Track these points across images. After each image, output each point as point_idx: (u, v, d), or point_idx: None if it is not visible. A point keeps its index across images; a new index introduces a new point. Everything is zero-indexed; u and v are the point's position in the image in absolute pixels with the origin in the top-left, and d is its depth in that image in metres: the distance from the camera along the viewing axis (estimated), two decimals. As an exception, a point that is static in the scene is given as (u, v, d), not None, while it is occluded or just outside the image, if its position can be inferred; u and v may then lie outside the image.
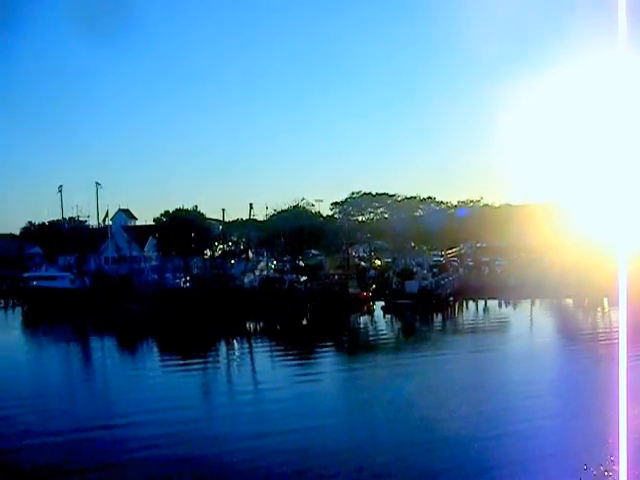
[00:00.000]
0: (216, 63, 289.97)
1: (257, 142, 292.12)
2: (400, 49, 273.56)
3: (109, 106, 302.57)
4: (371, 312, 77.62)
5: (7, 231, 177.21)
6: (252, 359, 51.76)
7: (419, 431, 28.29)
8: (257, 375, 44.78)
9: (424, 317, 71.66)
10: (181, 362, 49.35)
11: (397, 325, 69.67)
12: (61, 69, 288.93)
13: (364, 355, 51.48)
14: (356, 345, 57.68)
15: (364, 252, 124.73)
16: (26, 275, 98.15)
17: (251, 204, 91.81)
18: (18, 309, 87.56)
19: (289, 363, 48.47)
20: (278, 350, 55.01)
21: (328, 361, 48.90)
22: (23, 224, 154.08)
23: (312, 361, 49.17)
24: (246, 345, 59.57)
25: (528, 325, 66.27)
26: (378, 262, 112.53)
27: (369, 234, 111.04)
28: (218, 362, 51.05)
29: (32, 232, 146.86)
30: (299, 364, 48.01)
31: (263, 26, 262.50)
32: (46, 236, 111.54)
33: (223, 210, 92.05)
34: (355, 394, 37.15)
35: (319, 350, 53.44)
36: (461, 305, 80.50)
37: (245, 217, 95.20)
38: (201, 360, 49.94)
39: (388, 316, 73.20)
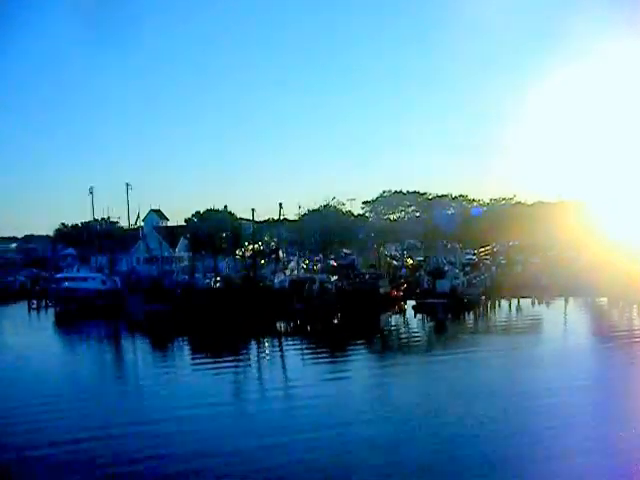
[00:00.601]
0: (243, 60, 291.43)
1: (286, 142, 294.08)
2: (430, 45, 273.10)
3: (138, 108, 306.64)
4: (402, 311, 77.03)
5: (42, 233, 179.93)
6: (282, 358, 51.47)
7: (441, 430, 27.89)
8: (287, 374, 44.54)
9: (455, 316, 70.76)
10: (211, 361, 49.35)
11: (428, 324, 68.82)
12: (84, 73, 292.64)
13: (393, 355, 50.85)
14: (386, 345, 56.96)
15: (396, 251, 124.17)
16: (58, 276, 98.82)
17: (280, 204, 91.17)
18: (51, 310, 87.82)
19: (320, 362, 48.19)
20: (309, 350, 54.58)
21: (358, 361, 48.25)
22: (56, 226, 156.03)
23: (342, 360, 48.52)
24: (277, 345, 59.16)
25: (562, 324, 65.00)
26: (410, 261, 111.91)
27: (400, 233, 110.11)
28: (249, 362, 50.70)
29: (65, 233, 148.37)
30: (330, 363, 47.78)
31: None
32: (79, 237, 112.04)
33: (253, 210, 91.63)
34: (385, 394, 36.28)
35: (349, 350, 52.96)
36: (493, 304, 79.36)
37: (275, 217, 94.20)
38: (232, 359, 49.65)
39: (419, 315, 72.48)
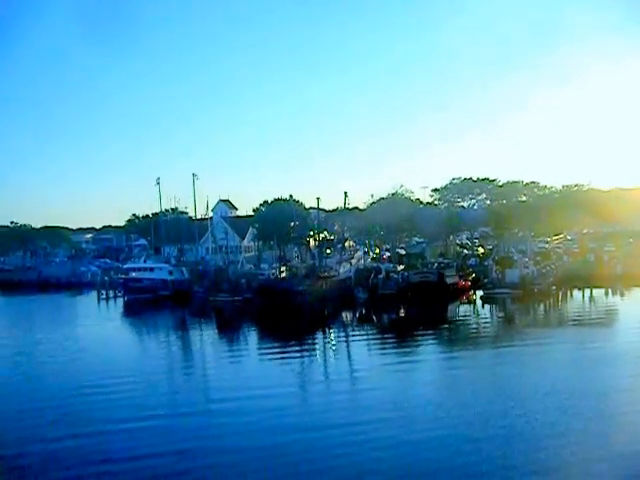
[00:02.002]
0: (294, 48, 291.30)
1: (354, 130, 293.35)
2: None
3: (205, 99, 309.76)
4: (470, 302, 75.11)
5: (119, 224, 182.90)
6: (348, 349, 50.68)
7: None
8: (353, 364, 43.74)
9: (525, 307, 67.84)
10: (277, 350, 49.34)
11: (496, 316, 66.26)
12: (149, 63, 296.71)
13: (459, 348, 48.69)
14: (451, 337, 54.95)
15: (467, 239, 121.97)
16: (126, 267, 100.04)
17: (346, 192, 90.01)
18: (120, 300, 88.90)
19: (384, 353, 47.59)
20: (373, 340, 53.76)
21: (423, 352, 47.07)
22: (128, 217, 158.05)
23: (407, 351, 47.69)
24: (341, 335, 58.27)
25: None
26: (481, 250, 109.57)
27: (471, 221, 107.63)
28: (314, 351, 50.09)
29: (137, 224, 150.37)
30: (394, 354, 46.86)
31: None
32: (150, 228, 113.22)
33: (318, 199, 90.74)
34: (450, 388, 34.55)
35: (414, 341, 52.00)
36: (565, 295, 76.42)
37: (344, 206, 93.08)
38: (297, 349, 49.48)
39: (487, 306, 70.32)
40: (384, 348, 49.86)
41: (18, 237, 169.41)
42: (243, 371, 42.88)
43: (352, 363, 44.19)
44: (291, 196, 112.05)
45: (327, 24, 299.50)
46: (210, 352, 51.77)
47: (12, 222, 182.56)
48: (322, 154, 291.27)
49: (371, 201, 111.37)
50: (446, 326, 60.72)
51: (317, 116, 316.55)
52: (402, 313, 70.01)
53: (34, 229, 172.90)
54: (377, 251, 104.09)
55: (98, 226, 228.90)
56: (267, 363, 44.92)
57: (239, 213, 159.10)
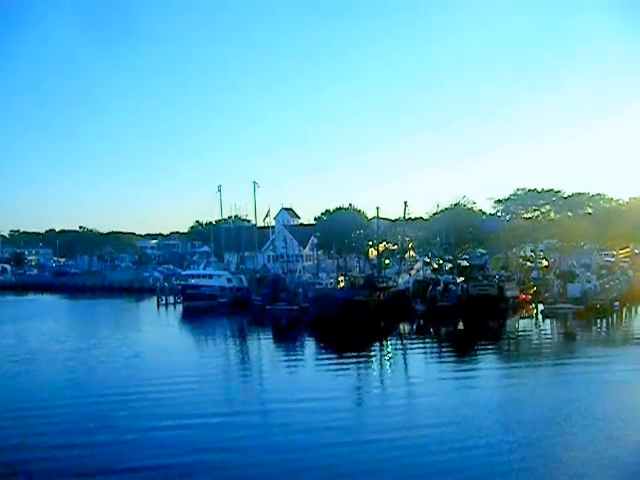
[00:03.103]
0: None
1: (414, 139, 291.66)
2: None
3: (272, 108, 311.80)
4: (530, 316, 73.32)
5: (182, 230, 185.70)
6: (404, 360, 50.48)
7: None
8: (409, 375, 43.68)
9: (586, 324, 65.40)
10: (332, 360, 49.61)
11: (556, 332, 63.97)
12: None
13: (516, 364, 47.41)
14: (509, 352, 53.84)
15: (531, 252, 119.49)
16: (185, 273, 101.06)
17: (405, 202, 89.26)
18: (179, 306, 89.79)
19: (441, 365, 47.05)
20: (430, 352, 53.46)
21: (479, 368, 45.92)
22: (191, 223, 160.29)
23: (463, 365, 47.02)
24: (398, 346, 57.90)
25: None
26: (545, 262, 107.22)
27: (534, 233, 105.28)
28: (370, 361, 49.91)
29: (200, 231, 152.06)
30: (451, 367, 46.37)
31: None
32: (212, 235, 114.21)
33: (377, 208, 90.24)
34: (507, 405, 33.57)
35: (471, 355, 51.25)
36: (629, 311, 73.97)
37: (409, 216, 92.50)
38: (354, 358, 49.27)
39: (548, 321, 68.38)
40: (440, 361, 49.36)
41: (85, 242, 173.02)
42: (299, 379, 43.43)
43: (408, 374, 44.01)
44: (350, 205, 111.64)
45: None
46: (264, 360, 51.99)
47: (81, 227, 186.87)
48: (385, 163, 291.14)
49: (434, 211, 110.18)
50: (504, 341, 59.55)
51: (379, 125, 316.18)
52: (460, 326, 68.67)
53: (101, 234, 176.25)
54: (440, 262, 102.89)
55: (166, 232, 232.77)
56: (322, 372, 45.10)
57: (302, 221, 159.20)
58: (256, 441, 27.55)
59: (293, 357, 52.87)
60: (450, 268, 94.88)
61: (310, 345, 60.86)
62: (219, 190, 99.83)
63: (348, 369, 45.26)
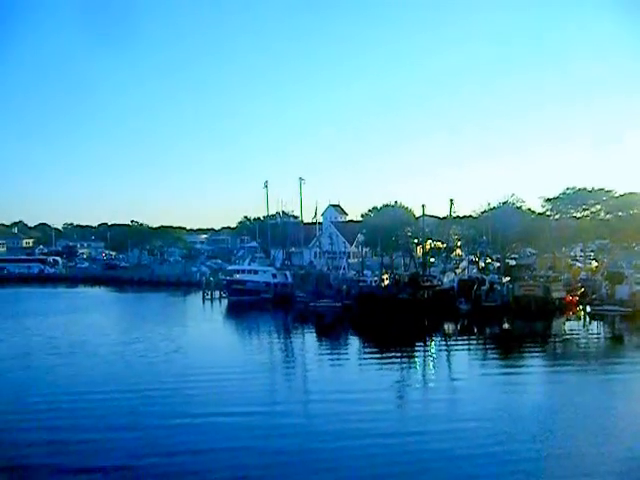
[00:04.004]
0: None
1: (465, 138, 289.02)
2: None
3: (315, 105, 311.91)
4: (577, 318, 71.99)
5: (233, 225, 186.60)
6: (447, 360, 50.12)
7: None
8: (452, 374, 43.43)
9: (634, 327, 63.54)
10: (375, 357, 49.80)
11: (601, 334, 62.62)
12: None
13: (558, 367, 46.36)
14: (553, 354, 52.69)
15: (581, 252, 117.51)
16: (230, 268, 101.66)
17: (451, 200, 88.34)
18: (224, 301, 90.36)
19: (485, 367, 46.62)
20: (474, 352, 53.16)
21: (522, 368, 45.70)
22: (240, 219, 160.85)
23: (505, 366, 46.72)
24: (442, 345, 57.68)
25: None
26: (595, 263, 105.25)
27: (584, 233, 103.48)
28: (413, 359, 49.71)
29: (247, 226, 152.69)
30: (494, 368, 45.99)
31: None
32: (258, 230, 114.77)
33: (423, 206, 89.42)
34: (552, 408, 32.92)
35: (515, 356, 50.94)
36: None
37: (449, 214, 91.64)
38: (397, 356, 49.72)
39: (594, 323, 67.21)
40: (483, 361, 49.21)
41: (136, 236, 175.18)
42: (341, 375, 43.61)
43: (449, 374, 43.81)
44: (396, 202, 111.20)
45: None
46: (306, 356, 51.98)
47: (132, 221, 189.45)
48: (429, 161, 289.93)
49: (482, 209, 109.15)
50: (548, 343, 58.44)
51: (428, 123, 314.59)
52: (505, 326, 67.78)
53: (151, 228, 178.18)
54: (488, 261, 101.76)
55: (217, 227, 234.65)
56: (365, 368, 45.40)
57: (350, 218, 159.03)
58: (299, 431, 28.47)
59: (336, 353, 53.04)
60: (497, 267, 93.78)
61: (353, 342, 60.97)
62: (265, 186, 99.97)
63: (390, 366, 45.40)
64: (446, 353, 53.28)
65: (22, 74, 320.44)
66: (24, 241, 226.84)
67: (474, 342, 59.09)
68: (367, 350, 54.91)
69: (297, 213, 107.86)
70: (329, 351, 54.71)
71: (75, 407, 32.25)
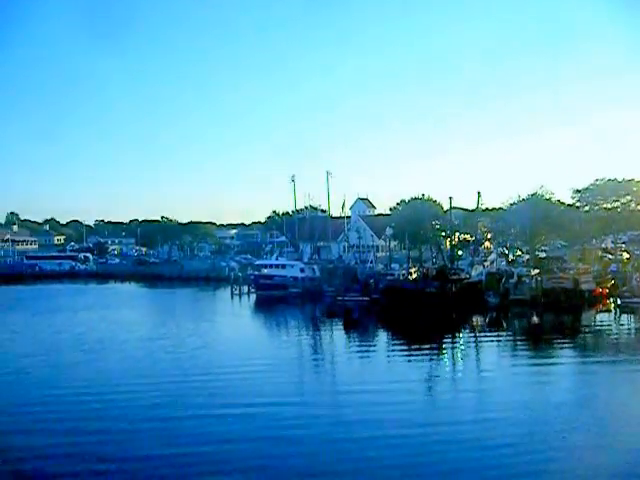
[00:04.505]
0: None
1: (493, 128, 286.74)
2: None
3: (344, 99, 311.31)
4: (606, 310, 70.99)
5: (260, 220, 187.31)
6: (475, 353, 50.14)
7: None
8: (480, 368, 43.53)
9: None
10: (402, 351, 49.95)
11: (630, 327, 61.76)
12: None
13: (588, 360, 45.68)
14: (580, 348, 51.73)
15: (612, 244, 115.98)
16: (258, 263, 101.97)
17: (479, 192, 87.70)
18: (252, 296, 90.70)
19: (513, 360, 46.08)
20: (503, 346, 52.54)
21: (551, 361, 45.36)
22: (268, 213, 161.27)
23: (534, 359, 46.22)
24: (470, 339, 57.45)
25: None
26: (626, 255, 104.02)
27: (615, 224, 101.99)
28: (442, 352, 49.89)
29: (276, 221, 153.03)
30: (523, 361, 45.34)
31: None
32: (285, 225, 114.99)
33: (450, 198, 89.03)
34: (583, 403, 32.62)
35: (543, 348, 50.90)
36: None
37: (476, 206, 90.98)
38: (425, 349, 49.54)
39: (624, 316, 66.18)
40: (512, 355, 48.66)
41: (166, 231, 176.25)
42: (368, 368, 43.96)
43: (478, 367, 43.93)
44: (423, 195, 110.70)
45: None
46: (333, 350, 52.26)
47: (162, 217, 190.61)
48: (458, 151, 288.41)
49: (510, 202, 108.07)
50: (577, 336, 57.69)
51: (453, 113, 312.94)
52: (534, 320, 67.06)
53: (180, 224, 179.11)
54: (518, 253, 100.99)
55: (247, 222, 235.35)
56: (392, 362, 45.74)
57: (379, 212, 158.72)
58: (327, 422, 28.97)
59: (363, 347, 53.14)
60: (526, 260, 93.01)
61: (380, 336, 61.25)
62: (293, 180, 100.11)
63: (419, 359, 45.59)
64: (474, 346, 53.20)
65: (38, 74, 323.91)
66: (55, 238, 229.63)
67: (502, 335, 58.48)
68: (395, 343, 55.01)
69: (325, 207, 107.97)
70: (356, 345, 54.91)
71: (97, 402, 32.42)
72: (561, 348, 50.51)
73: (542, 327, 63.61)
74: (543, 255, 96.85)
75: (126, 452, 24.89)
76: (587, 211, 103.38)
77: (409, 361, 45.13)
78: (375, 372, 41.87)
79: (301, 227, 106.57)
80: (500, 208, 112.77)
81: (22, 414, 30.63)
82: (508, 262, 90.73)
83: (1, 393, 35.41)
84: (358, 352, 50.35)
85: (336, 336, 59.49)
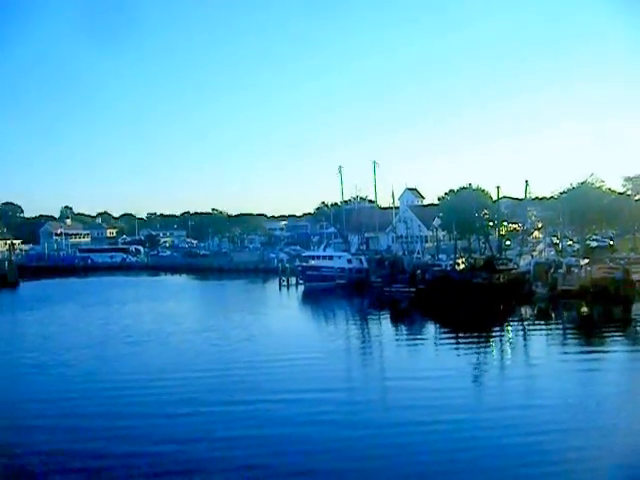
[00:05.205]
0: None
1: (541, 116, 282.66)
2: None
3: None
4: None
5: (311, 212, 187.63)
6: (522, 344, 49.89)
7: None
8: (527, 360, 43.18)
9: None
10: (449, 341, 50.05)
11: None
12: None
13: (633, 352, 45.32)
14: (628, 340, 50.72)
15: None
16: (305, 254, 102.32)
17: (527, 181, 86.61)
18: (301, 287, 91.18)
19: (561, 351, 45.48)
20: (550, 337, 51.87)
21: (599, 352, 44.59)
22: (318, 204, 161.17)
23: (582, 351, 45.55)
24: (517, 330, 56.87)
25: None
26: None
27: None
28: (487, 344, 49.64)
29: (325, 212, 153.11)
30: (571, 354, 44.54)
31: None
32: (332, 216, 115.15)
33: (498, 188, 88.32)
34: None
35: (591, 340, 50.18)
36: None
37: (524, 195, 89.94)
38: (470, 341, 49.37)
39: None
40: (561, 346, 47.85)
41: (216, 224, 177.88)
42: (415, 358, 44.60)
43: (525, 358, 43.73)
44: (470, 184, 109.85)
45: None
46: (380, 341, 52.59)
47: (213, 209, 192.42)
48: (506, 140, 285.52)
49: (560, 190, 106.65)
50: (628, 327, 56.43)
51: (501, 101, 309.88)
52: (583, 310, 66.07)
53: (230, 216, 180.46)
54: (569, 243, 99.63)
55: (299, 214, 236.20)
56: (438, 352, 46.10)
57: (428, 202, 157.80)
58: (374, 413, 29.51)
59: (410, 338, 53.45)
60: (577, 250, 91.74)
61: (427, 327, 60.98)
62: (340, 171, 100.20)
63: (466, 350, 45.69)
64: (520, 337, 52.86)
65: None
66: (108, 231, 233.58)
67: (551, 326, 57.79)
68: (442, 334, 54.85)
69: (373, 198, 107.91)
70: (403, 335, 55.37)
71: (134, 395, 33.04)
72: (611, 340, 49.48)
73: (591, 318, 62.70)
74: (594, 244, 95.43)
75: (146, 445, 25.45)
76: (638, 200, 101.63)
77: (457, 351, 45.35)
78: (424, 361, 42.73)
79: (349, 218, 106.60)
80: (552, 197, 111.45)
81: (63, 407, 31.22)
82: (557, 252, 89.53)
83: (44, 386, 36.16)
84: (404, 343, 50.71)
85: (384, 327, 59.90)
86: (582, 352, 44.72)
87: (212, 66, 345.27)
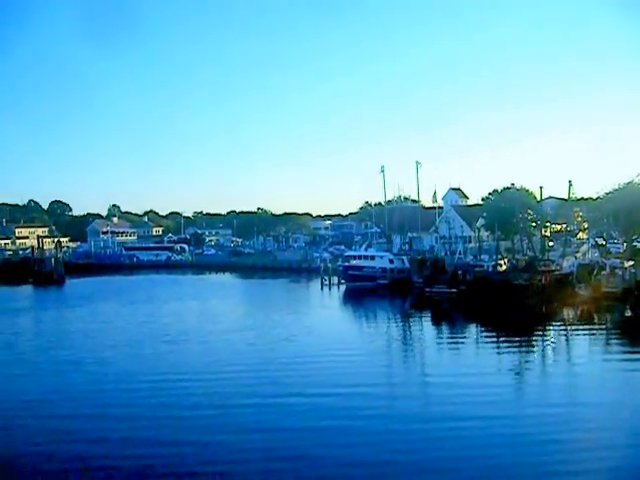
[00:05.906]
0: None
1: (580, 115, 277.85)
2: None
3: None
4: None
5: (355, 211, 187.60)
6: (564, 348, 49.49)
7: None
8: (573, 363, 42.98)
9: None
10: (490, 344, 50.33)
11: None
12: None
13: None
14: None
15: None
16: (347, 254, 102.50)
17: (570, 181, 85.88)
18: (342, 287, 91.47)
19: (604, 354, 45.30)
20: (593, 340, 51.56)
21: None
22: (361, 204, 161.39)
23: (626, 355, 44.38)
24: (559, 333, 56.40)
25: None
26: None
27: None
28: (529, 347, 49.48)
29: (369, 212, 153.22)
30: (613, 356, 44.12)
31: None
32: (374, 215, 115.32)
33: (541, 188, 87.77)
34: None
35: (635, 345, 48.90)
36: None
37: (568, 196, 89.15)
38: (511, 344, 49.41)
39: None
40: (604, 349, 47.71)
41: (261, 223, 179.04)
42: (456, 358, 45.00)
43: (570, 360, 43.66)
44: (513, 184, 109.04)
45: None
46: (420, 341, 52.96)
47: (258, 208, 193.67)
48: (550, 140, 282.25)
49: (605, 191, 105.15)
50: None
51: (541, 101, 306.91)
52: (626, 313, 65.03)
53: (275, 215, 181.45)
54: (615, 244, 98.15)
55: (344, 213, 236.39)
56: (479, 353, 46.53)
57: (471, 202, 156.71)
58: (417, 409, 30.64)
59: (450, 338, 53.91)
60: (622, 251, 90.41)
61: (467, 328, 61.25)
62: (382, 171, 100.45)
63: (506, 351, 46.20)
64: (561, 340, 52.53)
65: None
66: (154, 229, 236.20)
67: (594, 329, 57.23)
68: (483, 335, 54.99)
69: (415, 197, 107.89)
70: (443, 336, 55.68)
71: (167, 395, 33.62)
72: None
73: (635, 321, 61.86)
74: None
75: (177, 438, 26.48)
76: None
77: (498, 351, 46.06)
78: (463, 360, 43.46)
79: (391, 218, 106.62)
80: (598, 197, 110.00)
81: (95, 406, 31.91)
82: (602, 254, 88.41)
83: (80, 386, 36.70)
84: (445, 344, 51.07)
85: (423, 328, 60.03)
86: (625, 353, 44.57)
87: (223, 65, 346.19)
